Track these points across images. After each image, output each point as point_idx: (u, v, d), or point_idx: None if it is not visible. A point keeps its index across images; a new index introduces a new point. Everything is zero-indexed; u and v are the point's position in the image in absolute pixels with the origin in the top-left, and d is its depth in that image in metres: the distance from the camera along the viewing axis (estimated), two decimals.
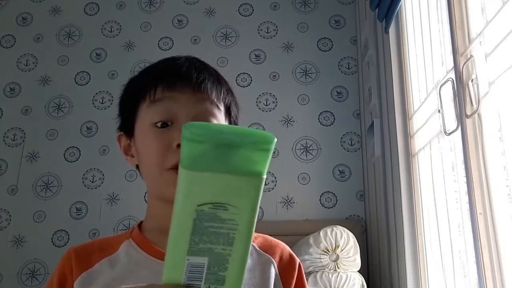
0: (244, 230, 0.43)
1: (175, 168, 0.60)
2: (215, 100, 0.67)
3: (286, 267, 0.69)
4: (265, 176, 0.42)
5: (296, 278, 0.69)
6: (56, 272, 0.66)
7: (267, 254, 0.69)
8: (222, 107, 0.69)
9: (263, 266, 0.67)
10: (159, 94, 0.65)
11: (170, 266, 0.43)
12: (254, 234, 0.44)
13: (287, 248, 0.73)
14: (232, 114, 0.72)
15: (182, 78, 0.66)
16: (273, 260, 0.69)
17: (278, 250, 0.71)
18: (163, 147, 0.63)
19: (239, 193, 0.42)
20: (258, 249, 0.70)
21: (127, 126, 0.71)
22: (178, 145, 0.61)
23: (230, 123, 0.71)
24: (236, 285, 0.44)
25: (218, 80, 0.70)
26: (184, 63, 0.69)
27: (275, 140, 0.42)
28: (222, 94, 0.69)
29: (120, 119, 0.74)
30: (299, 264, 0.71)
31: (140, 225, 0.71)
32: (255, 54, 2.81)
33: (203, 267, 0.43)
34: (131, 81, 0.74)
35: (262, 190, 0.43)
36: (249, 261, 0.67)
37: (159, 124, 0.64)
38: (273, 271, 0.67)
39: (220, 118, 0.67)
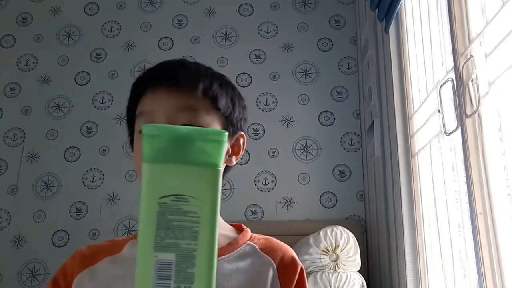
0: (207, 224, 0.44)
1: None
2: (195, 99, 0.65)
3: (286, 270, 0.69)
4: (221, 168, 0.45)
5: (296, 282, 0.68)
6: (60, 268, 0.70)
7: (267, 256, 0.69)
8: (205, 103, 0.66)
9: (261, 267, 0.67)
10: (143, 105, 0.67)
11: (141, 265, 0.44)
12: (219, 230, 0.45)
13: (290, 251, 0.72)
14: (219, 104, 0.68)
15: (166, 83, 0.66)
16: (273, 262, 0.68)
17: (279, 253, 0.70)
18: None
19: (198, 184, 0.45)
20: (259, 250, 0.69)
21: (130, 137, 0.73)
22: None
23: (222, 116, 0.69)
24: (207, 283, 0.44)
25: (201, 75, 0.68)
26: (171, 66, 0.69)
27: (226, 134, 0.45)
28: (201, 89, 0.66)
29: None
30: (301, 269, 0.70)
31: None
32: (255, 54, 2.81)
33: (171, 265, 0.43)
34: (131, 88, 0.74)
35: (220, 183, 0.45)
36: (248, 261, 0.67)
37: None
38: (271, 273, 0.67)
39: (204, 117, 0.65)
